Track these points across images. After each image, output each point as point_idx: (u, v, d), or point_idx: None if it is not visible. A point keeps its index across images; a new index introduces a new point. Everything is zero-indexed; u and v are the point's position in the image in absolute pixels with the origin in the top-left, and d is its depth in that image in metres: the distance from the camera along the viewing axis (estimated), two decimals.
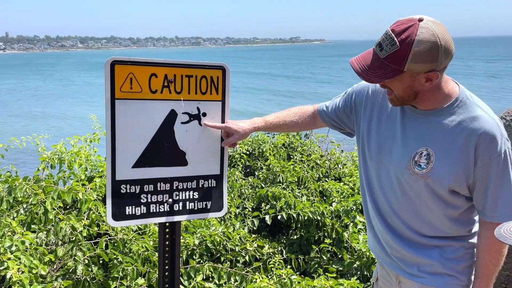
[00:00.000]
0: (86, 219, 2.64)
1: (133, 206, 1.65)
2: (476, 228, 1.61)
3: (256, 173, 4.50)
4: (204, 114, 1.72)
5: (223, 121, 1.75)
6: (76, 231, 2.58)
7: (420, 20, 1.35)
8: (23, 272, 2.04)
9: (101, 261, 2.69)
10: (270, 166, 4.32)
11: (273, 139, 5.07)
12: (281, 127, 1.88)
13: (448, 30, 1.39)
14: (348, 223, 3.52)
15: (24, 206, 2.44)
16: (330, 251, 3.39)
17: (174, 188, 1.71)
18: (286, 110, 1.90)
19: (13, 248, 2.10)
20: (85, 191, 2.67)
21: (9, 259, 2.03)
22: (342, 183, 4.20)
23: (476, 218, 1.61)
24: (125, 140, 1.61)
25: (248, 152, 4.78)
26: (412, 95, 1.45)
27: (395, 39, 1.34)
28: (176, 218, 1.73)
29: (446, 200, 1.51)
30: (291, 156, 4.76)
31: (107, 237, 2.76)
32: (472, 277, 1.62)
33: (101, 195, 3.11)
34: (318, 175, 4.40)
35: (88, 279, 2.51)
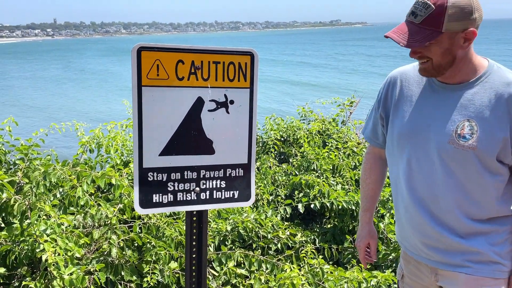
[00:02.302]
0: (119, 204, 2.70)
1: (160, 194, 1.65)
2: None
3: (290, 160, 4.44)
4: (232, 102, 1.68)
5: (251, 109, 1.70)
6: (112, 214, 2.64)
7: None
8: (58, 254, 2.11)
9: (135, 244, 2.76)
10: (305, 153, 4.24)
11: (308, 125, 4.97)
12: (379, 192, 1.91)
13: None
14: (384, 214, 3.41)
15: (60, 190, 2.52)
16: None
17: (201, 176, 1.69)
18: (364, 179, 1.90)
19: (49, 231, 2.18)
20: (120, 176, 2.72)
21: (45, 241, 2.11)
22: None
23: None
24: (152, 128, 1.60)
25: (282, 139, 4.72)
26: (450, 61, 1.45)
27: (428, 2, 1.37)
28: (203, 207, 1.72)
29: (493, 170, 1.48)
30: (327, 143, 4.65)
31: (141, 221, 2.81)
32: None
33: None
34: (354, 163, 4.27)
35: (122, 262, 2.57)
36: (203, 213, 1.75)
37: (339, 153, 4.36)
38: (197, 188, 1.69)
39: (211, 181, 1.71)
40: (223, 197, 1.73)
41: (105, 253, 2.58)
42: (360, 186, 1.95)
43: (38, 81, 35.42)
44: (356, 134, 5.10)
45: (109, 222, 2.66)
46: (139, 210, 1.63)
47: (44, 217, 2.23)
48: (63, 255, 2.18)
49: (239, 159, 1.73)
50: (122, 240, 2.65)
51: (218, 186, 1.72)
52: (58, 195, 2.54)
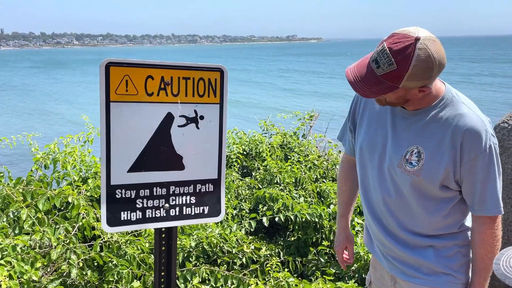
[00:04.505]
0: (77, 223, 2.58)
1: (129, 211, 1.61)
2: (467, 223, 1.63)
3: (253, 174, 4.46)
4: (202, 117, 1.68)
5: (221, 125, 1.71)
6: (70, 233, 2.52)
7: (417, 39, 1.34)
8: (13, 278, 1.99)
9: (96, 264, 2.65)
10: (267, 167, 4.27)
11: (270, 139, 5.03)
12: (354, 198, 1.95)
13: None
14: None
15: (13, 210, 2.38)
16: (328, 253, 3.35)
17: (171, 193, 1.67)
18: (340, 186, 1.95)
19: (2, 254, 2.04)
20: (78, 194, 2.61)
21: None
22: None
23: (466, 213, 1.62)
24: (121, 144, 1.56)
25: (245, 153, 4.74)
26: (403, 103, 1.51)
27: (393, 59, 1.35)
28: (173, 224, 1.69)
29: (436, 196, 1.54)
30: (289, 157, 4.72)
31: (102, 239, 2.71)
32: (470, 274, 1.63)
33: (95, 195, 3.06)
34: (315, 176, 4.36)
35: (83, 283, 2.46)
36: (173, 230, 1.72)
37: (301, 166, 4.43)
38: (167, 205, 1.67)
39: (180, 197, 1.69)
40: (193, 213, 1.72)
41: (64, 274, 2.46)
42: (337, 193, 2.00)
43: None
44: (317, 147, 5.22)
45: (68, 241, 2.54)
46: (106, 229, 1.58)
47: None
48: (16, 279, 2.05)
49: (209, 175, 1.73)
50: (82, 260, 2.54)
51: (188, 202, 1.70)
52: (11, 215, 2.40)
